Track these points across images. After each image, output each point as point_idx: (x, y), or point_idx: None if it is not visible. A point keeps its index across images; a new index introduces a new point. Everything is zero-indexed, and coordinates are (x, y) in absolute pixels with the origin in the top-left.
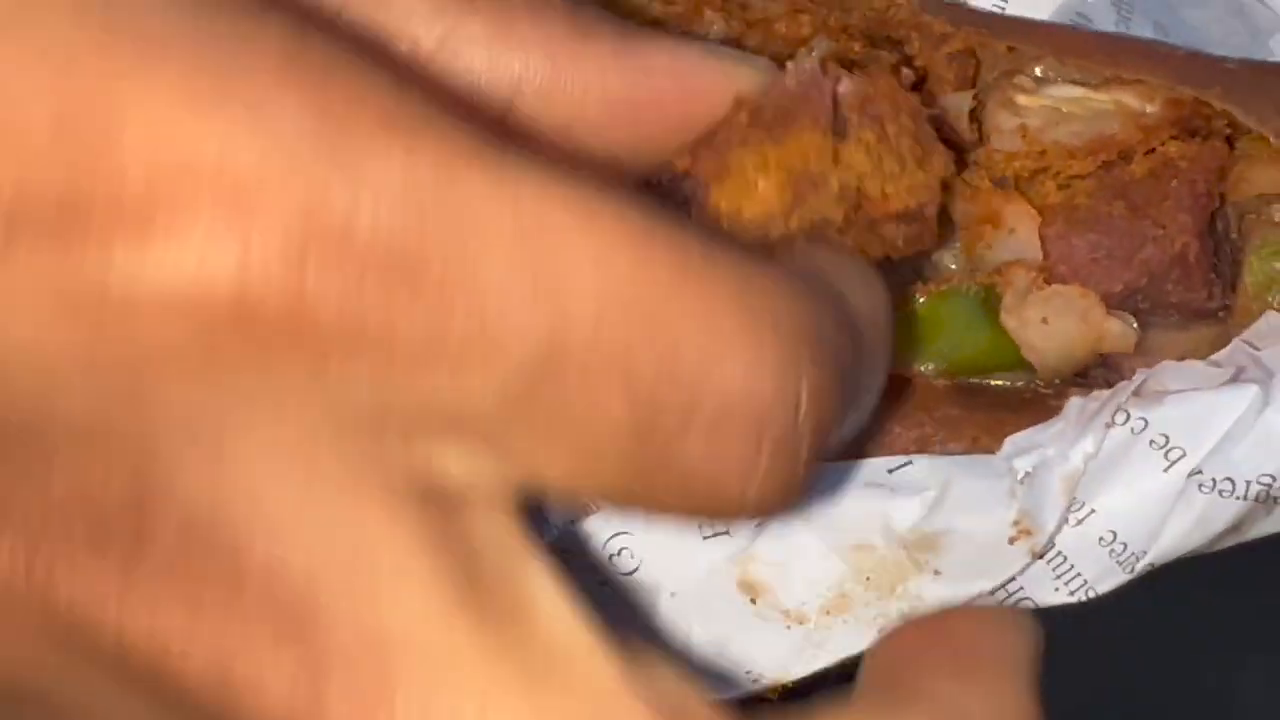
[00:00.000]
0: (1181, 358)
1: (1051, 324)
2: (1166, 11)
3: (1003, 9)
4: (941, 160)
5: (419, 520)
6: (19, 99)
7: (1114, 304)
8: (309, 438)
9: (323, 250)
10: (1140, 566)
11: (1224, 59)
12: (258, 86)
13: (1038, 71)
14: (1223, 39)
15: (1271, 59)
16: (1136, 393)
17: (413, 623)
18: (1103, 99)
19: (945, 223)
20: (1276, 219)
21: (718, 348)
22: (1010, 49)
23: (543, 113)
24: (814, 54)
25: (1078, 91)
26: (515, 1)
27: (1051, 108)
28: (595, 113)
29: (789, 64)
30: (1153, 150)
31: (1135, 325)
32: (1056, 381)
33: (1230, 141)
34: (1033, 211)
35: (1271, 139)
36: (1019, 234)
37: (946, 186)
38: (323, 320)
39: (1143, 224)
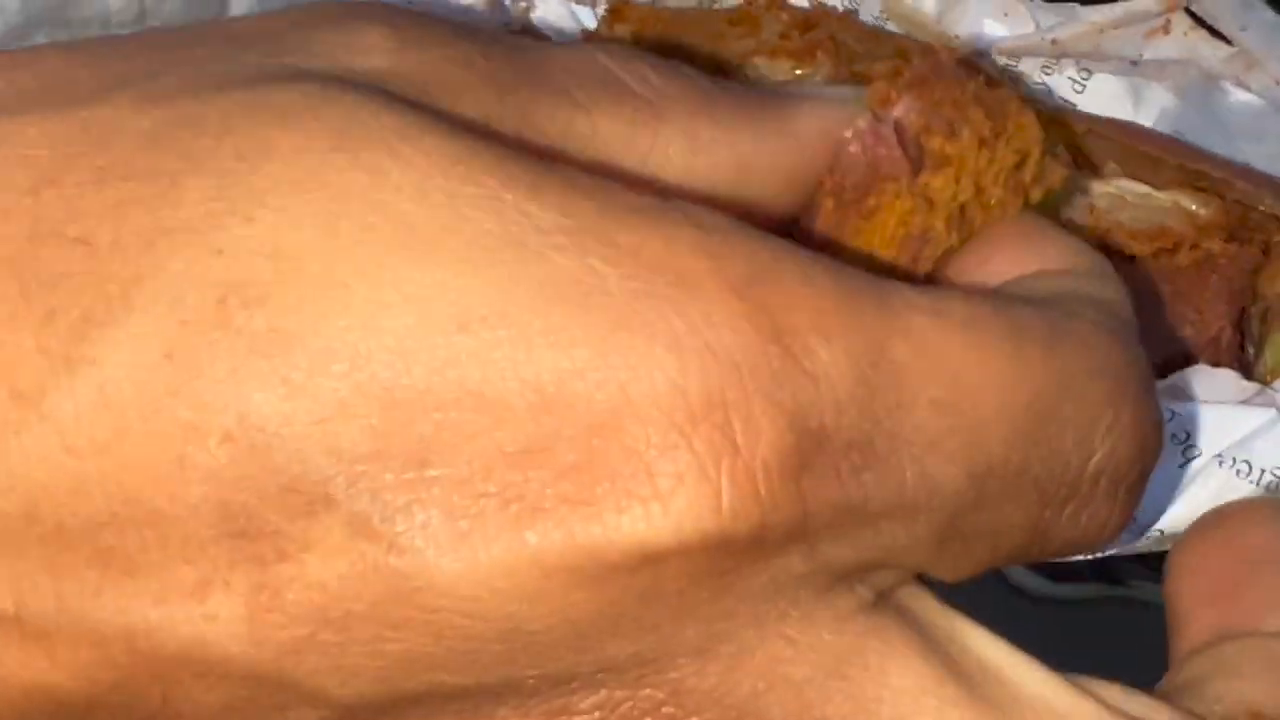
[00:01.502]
0: None
1: None
2: (1227, 143)
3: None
4: (1015, 108)
5: (897, 625)
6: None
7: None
8: (800, 605)
9: (809, 461)
10: (1152, 533)
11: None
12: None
13: (1112, 166)
14: None
15: None
16: (1167, 390)
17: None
18: (1163, 197)
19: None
20: None
21: (1088, 422)
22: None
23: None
24: (856, 98)
25: (1142, 188)
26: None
27: (1117, 195)
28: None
29: (847, 132)
30: (1197, 246)
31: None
32: None
33: (1265, 249)
34: None
35: None
36: None
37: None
38: (816, 517)
39: (1185, 308)
